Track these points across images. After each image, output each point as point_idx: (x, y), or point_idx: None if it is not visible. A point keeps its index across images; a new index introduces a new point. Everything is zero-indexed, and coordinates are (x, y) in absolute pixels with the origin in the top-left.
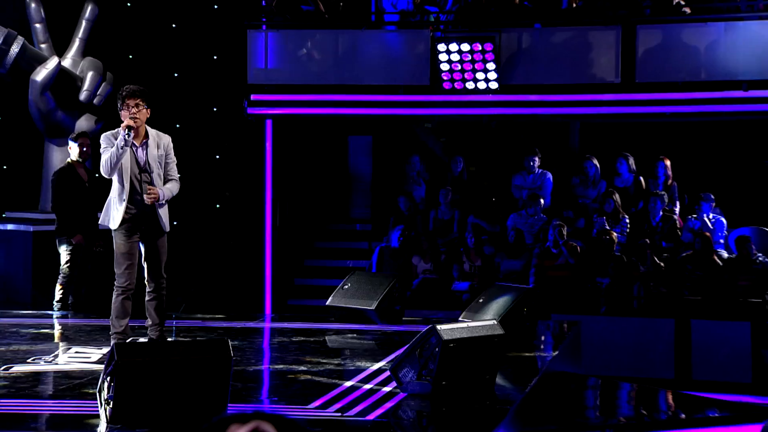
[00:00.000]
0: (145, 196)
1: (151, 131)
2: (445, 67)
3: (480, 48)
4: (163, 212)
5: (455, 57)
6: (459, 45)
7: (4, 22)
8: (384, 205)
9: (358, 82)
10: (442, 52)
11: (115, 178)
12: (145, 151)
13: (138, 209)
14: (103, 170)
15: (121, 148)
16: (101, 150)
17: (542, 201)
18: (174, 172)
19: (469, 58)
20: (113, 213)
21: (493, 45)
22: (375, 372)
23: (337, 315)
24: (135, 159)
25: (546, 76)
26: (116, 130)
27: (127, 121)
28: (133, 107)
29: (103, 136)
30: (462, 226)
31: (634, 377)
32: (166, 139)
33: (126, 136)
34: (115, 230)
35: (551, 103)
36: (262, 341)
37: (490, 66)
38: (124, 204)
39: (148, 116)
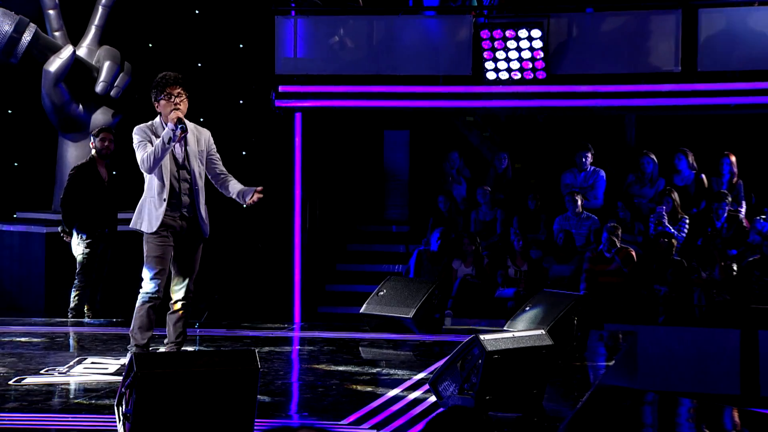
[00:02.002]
0: (248, 200)
1: (189, 124)
2: (488, 55)
3: (526, 35)
4: (205, 215)
5: (499, 45)
6: (504, 32)
7: (16, 8)
8: (422, 205)
9: (394, 72)
10: (486, 39)
11: (152, 176)
12: (183, 147)
13: (177, 211)
14: (144, 167)
15: (168, 143)
16: (135, 144)
17: (579, 200)
18: (224, 168)
19: (515, 45)
20: (151, 214)
21: (541, 31)
22: (413, 385)
23: (371, 324)
24: (173, 155)
25: (599, 65)
26: (150, 122)
27: (175, 113)
28: (175, 96)
29: (137, 129)
30: (506, 228)
31: (695, 393)
32: (206, 134)
33: (176, 130)
34: (150, 233)
35: (605, 95)
36: (291, 351)
37: (538, 54)
38: (165, 204)
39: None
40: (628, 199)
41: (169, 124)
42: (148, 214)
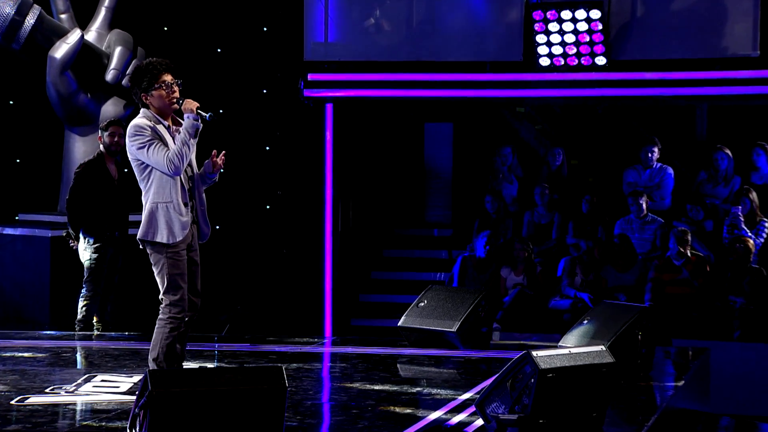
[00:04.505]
0: (215, 170)
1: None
2: (541, 39)
3: (585, 16)
4: (203, 215)
5: (554, 27)
6: (559, 12)
7: None
8: (467, 205)
9: (436, 58)
10: (539, 21)
11: (163, 178)
12: None
13: (190, 216)
14: (169, 168)
15: (194, 137)
16: (142, 144)
17: (644, 201)
18: None
19: (572, 28)
20: (173, 222)
21: (600, 12)
22: (457, 407)
23: (410, 338)
24: None
25: (666, 49)
26: (143, 120)
27: (190, 103)
28: (171, 84)
29: (136, 127)
30: (562, 232)
31: None
32: None
33: (199, 119)
34: (170, 245)
35: (673, 83)
36: (322, 369)
37: (597, 38)
38: (189, 210)
39: None
40: (699, 200)
41: (188, 114)
42: (169, 222)
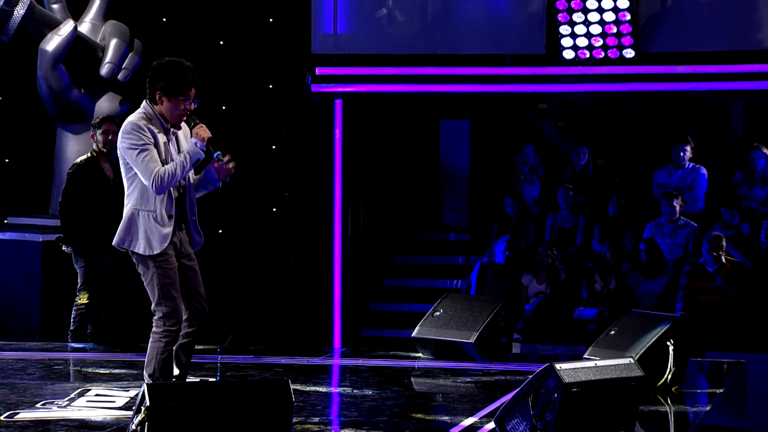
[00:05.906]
0: (222, 177)
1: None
2: (565, 30)
3: (612, 5)
4: (194, 224)
5: (579, 17)
6: (584, 2)
7: None
8: (486, 208)
9: (452, 51)
10: (563, 10)
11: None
12: (176, 148)
13: (177, 225)
14: (155, 185)
15: (193, 165)
16: (135, 146)
17: (678, 203)
18: None
19: (598, 18)
20: (152, 233)
21: (629, 1)
22: (475, 424)
23: (425, 350)
24: (170, 158)
25: (698, 41)
26: (141, 114)
27: (204, 131)
28: (192, 100)
29: (131, 125)
30: (587, 237)
31: None
32: (186, 130)
33: (203, 150)
34: (153, 256)
35: (706, 77)
36: (331, 382)
37: (626, 29)
38: (173, 221)
39: None
40: (735, 203)
41: (198, 142)
42: (148, 232)
